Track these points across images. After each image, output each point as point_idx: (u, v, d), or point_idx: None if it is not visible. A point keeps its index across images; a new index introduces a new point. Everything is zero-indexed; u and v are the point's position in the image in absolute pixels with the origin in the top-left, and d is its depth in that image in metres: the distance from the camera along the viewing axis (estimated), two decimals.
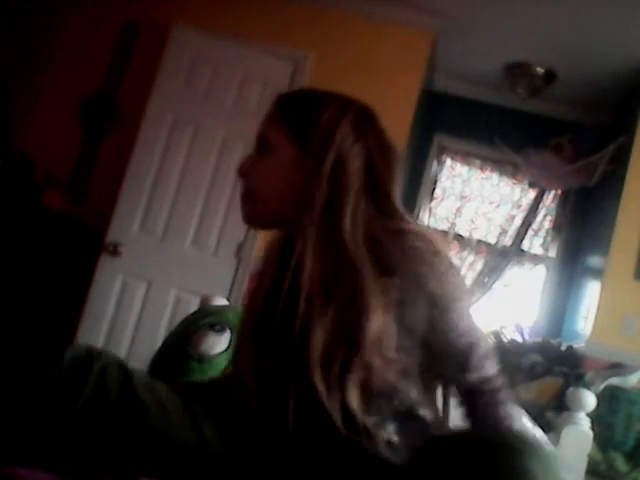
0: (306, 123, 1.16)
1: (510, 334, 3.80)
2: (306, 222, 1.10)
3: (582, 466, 2.28)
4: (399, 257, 1.06)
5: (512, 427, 1.10)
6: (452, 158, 4.45)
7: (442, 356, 1.11)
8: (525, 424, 1.14)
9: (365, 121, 1.20)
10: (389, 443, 1.06)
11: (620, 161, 3.50)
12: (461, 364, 1.11)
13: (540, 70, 3.85)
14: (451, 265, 1.10)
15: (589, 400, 2.33)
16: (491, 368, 1.15)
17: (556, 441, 2.25)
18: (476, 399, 1.13)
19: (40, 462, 1.04)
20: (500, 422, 1.11)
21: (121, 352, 3.31)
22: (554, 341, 3.48)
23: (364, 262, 1.05)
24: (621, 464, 2.47)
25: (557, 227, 4.28)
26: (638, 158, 3.33)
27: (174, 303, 3.39)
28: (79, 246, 3.44)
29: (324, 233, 1.09)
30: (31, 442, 1.05)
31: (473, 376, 1.12)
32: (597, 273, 3.48)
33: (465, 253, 4.30)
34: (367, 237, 1.09)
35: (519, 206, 4.31)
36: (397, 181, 1.19)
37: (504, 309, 4.24)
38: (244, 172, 1.20)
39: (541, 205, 4.29)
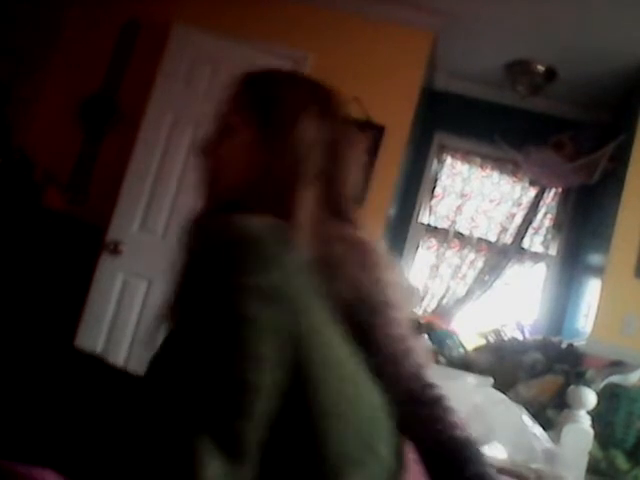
0: (270, 106, 1.13)
1: (511, 332, 3.80)
2: (260, 205, 1.09)
3: (583, 464, 2.28)
4: (339, 261, 1.07)
5: (460, 436, 1.07)
6: (452, 156, 4.45)
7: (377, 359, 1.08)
8: (469, 434, 1.10)
9: (331, 108, 1.17)
10: None
11: (620, 159, 3.50)
12: (397, 367, 1.08)
13: (540, 68, 3.85)
14: (389, 276, 1.11)
15: (590, 398, 2.33)
16: (429, 373, 1.11)
17: (557, 439, 2.25)
18: (417, 409, 1.08)
19: (40, 459, 1.04)
20: (447, 432, 1.07)
21: (122, 351, 3.31)
22: (555, 339, 3.49)
23: (309, 253, 1.05)
24: (622, 462, 2.47)
25: (557, 225, 4.28)
26: (638, 156, 3.33)
27: None
28: (79, 245, 3.44)
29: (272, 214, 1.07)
30: (31, 438, 1.06)
31: (410, 382, 1.09)
32: (598, 271, 3.49)
33: (465, 251, 4.31)
34: (314, 232, 1.08)
35: (519, 204, 4.31)
36: (358, 171, 1.18)
37: (505, 307, 4.24)
38: (205, 152, 1.18)
39: (541, 203, 4.29)
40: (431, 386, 1.09)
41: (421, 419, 1.07)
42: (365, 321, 1.07)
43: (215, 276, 0.92)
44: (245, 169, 1.13)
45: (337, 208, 1.14)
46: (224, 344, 0.90)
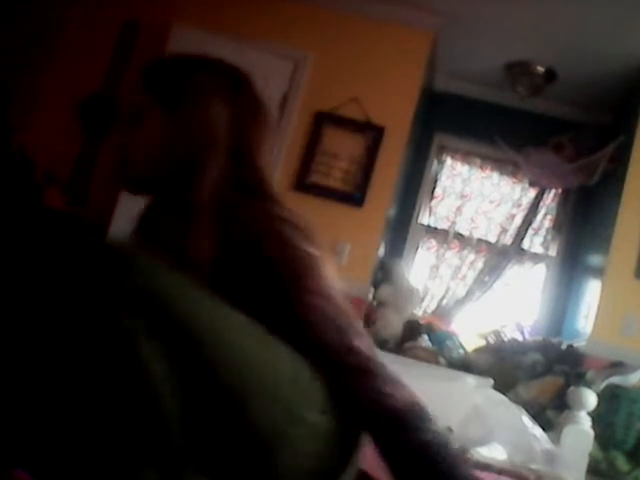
0: (174, 89, 1.17)
1: (511, 333, 3.80)
2: (166, 185, 1.15)
3: (583, 465, 2.28)
4: (248, 235, 1.08)
5: (396, 406, 1.02)
6: (452, 157, 4.45)
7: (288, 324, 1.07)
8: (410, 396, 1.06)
9: (237, 87, 1.20)
10: None
11: (620, 160, 3.50)
12: (322, 337, 1.06)
13: (540, 69, 3.85)
14: (306, 245, 1.10)
15: (590, 399, 2.33)
16: (362, 344, 1.07)
17: (557, 440, 2.25)
18: (347, 379, 1.05)
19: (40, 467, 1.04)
20: (383, 402, 1.03)
21: None
22: (555, 340, 3.49)
23: (207, 228, 1.08)
24: (622, 463, 2.47)
25: (557, 226, 4.28)
26: (638, 157, 3.33)
27: None
28: None
29: (180, 197, 1.11)
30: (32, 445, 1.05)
31: (339, 352, 1.05)
32: (597, 272, 3.49)
33: (465, 252, 4.30)
34: (219, 205, 1.10)
35: (519, 205, 4.31)
36: (268, 148, 1.21)
37: (504, 308, 4.24)
38: (118, 138, 1.22)
39: (541, 204, 4.29)
40: (361, 355, 1.06)
41: (352, 389, 1.04)
42: (283, 293, 1.07)
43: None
44: (155, 151, 1.17)
45: (249, 185, 1.16)
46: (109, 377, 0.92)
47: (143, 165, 1.18)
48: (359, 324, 1.11)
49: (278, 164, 3.51)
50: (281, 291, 1.07)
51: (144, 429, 0.92)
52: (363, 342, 1.07)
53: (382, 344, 3.55)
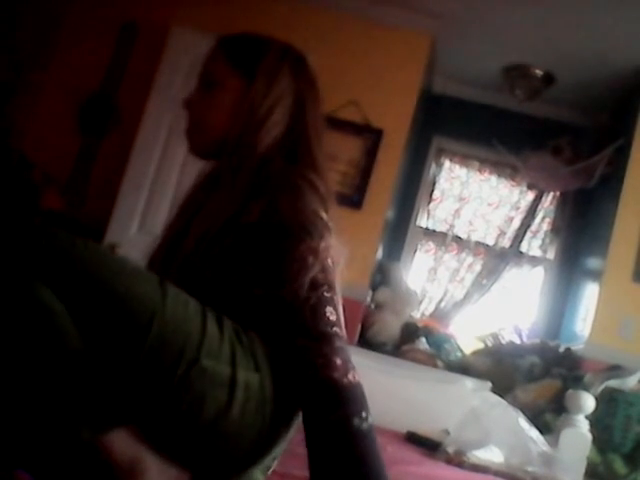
0: (252, 61, 1.30)
1: (508, 336, 3.80)
2: (231, 147, 1.26)
3: (581, 468, 2.28)
4: (273, 184, 1.18)
5: (336, 378, 1.02)
6: (451, 160, 4.45)
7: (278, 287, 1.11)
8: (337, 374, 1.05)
9: (301, 66, 1.38)
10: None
11: (619, 163, 3.51)
12: (294, 297, 1.08)
13: (539, 72, 3.86)
14: (319, 210, 1.17)
15: (588, 402, 2.33)
16: (331, 316, 1.09)
17: (555, 443, 2.25)
18: (302, 340, 1.06)
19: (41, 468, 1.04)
20: (325, 371, 1.03)
21: None
22: (552, 343, 3.49)
23: (244, 184, 1.20)
24: (620, 466, 2.47)
25: (555, 229, 4.28)
26: (636, 160, 3.34)
27: None
28: None
29: (237, 155, 1.25)
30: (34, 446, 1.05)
31: (303, 315, 1.07)
32: (595, 275, 3.49)
33: (463, 255, 4.30)
34: (264, 164, 1.22)
35: (517, 208, 4.32)
36: (320, 120, 1.35)
37: (502, 311, 4.24)
38: (191, 104, 1.32)
39: (539, 207, 4.29)
40: (323, 321, 1.07)
41: (301, 348, 1.05)
42: (280, 242, 1.13)
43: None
44: (230, 116, 1.29)
45: (297, 151, 1.28)
46: None
47: (216, 126, 1.30)
48: (339, 300, 1.13)
49: None
50: (279, 241, 1.13)
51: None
52: (333, 314, 1.09)
53: (380, 347, 3.55)
